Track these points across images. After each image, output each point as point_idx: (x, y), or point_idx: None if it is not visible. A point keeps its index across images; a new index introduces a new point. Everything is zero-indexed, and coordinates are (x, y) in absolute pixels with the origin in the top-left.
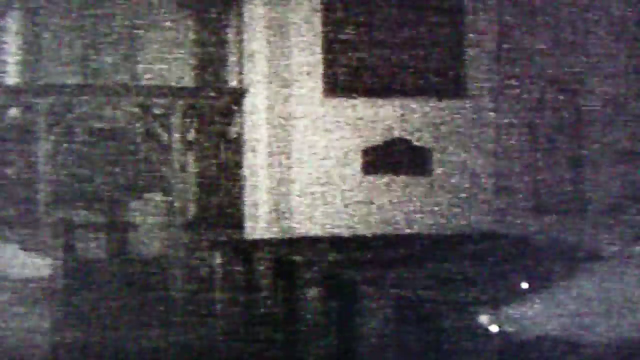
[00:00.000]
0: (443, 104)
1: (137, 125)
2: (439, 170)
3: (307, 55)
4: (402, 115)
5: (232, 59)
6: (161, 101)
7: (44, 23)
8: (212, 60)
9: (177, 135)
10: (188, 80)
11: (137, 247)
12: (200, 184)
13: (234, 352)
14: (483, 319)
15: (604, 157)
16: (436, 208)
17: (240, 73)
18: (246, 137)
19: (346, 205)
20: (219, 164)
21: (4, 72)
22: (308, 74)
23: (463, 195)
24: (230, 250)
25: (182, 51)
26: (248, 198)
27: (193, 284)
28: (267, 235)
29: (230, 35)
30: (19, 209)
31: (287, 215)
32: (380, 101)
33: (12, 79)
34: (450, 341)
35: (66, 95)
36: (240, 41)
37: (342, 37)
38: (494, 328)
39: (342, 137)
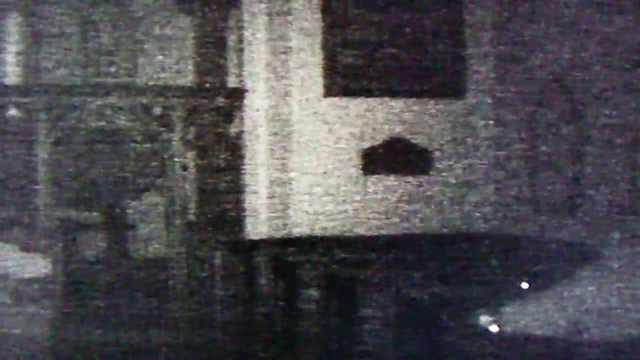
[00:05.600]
0: (443, 104)
1: (137, 125)
2: (439, 170)
3: (307, 55)
4: (402, 115)
5: (232, 59)
6: (161, 101)
7: (44, 23)
8: (212, 60)
9: (177, 135)
10: (188, 80)
11: (137, 247)
12: (201, 184)
13: (234, 352)
14: (483, 319)
15: (605, 157)
16: (436, 208)
17: (240, 73)
18: (246, 137)
19: (346, 205)
20: (219, 164)
21: (4, 72)
22: (308, 74)
23: (463, 195)
24: (230, 250)
25: (182, 51)
26: (248, 198)
27: (193, 284)
28: (267, 235)
29: (230, 35)
30: (19, 209)
31: (287, 215)
32: (380, 101)
33: (12, 79)
34: (450, 341)
35: (66, 95)
36: (240, 41)
37: (342, 37)
38: (494, 328)
39: (342, 137)
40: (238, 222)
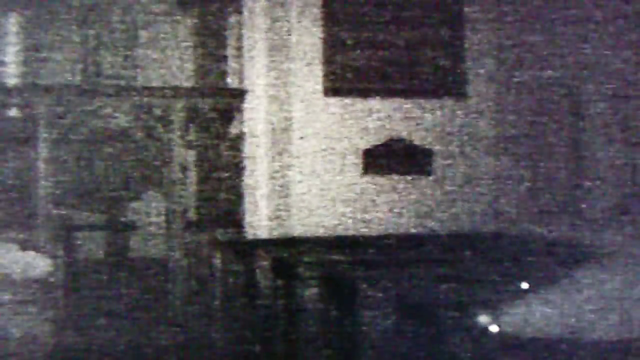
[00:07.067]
0: (443, 104)
1: (137, 125)
2: (439, 170)
3: (307, 55)
4: (402, 115)
5: (232, 59)
6: (161, 101)
7: (44, 23)
8: (212, 60)
9: (177, 135)
10: (188, 80)
11: (137, 247)
12: (200, 184)
13: (234, 352)
14: (483, 319)
15: (604, 157)
16: (436, 208)
17: (240, 73)
18: (246, 137)
19: (346, 206)
20: (219, 164)
21: (4, 72)
22: (308, 74)
23: (463, 195)
24: (230, 250)
25: (182, 51)
26: (248, 198)
27: (193, 284)
28: (267, 235)
29: (230, 35)
30: (19, 209)
31: (287, 215)
32: (380, 101)
33: (12, 79)
34: (450, 341)
35: (66, 95)
36: (240, 41)
37: (342, 37)
38: (494, 328)
39: (342, 137)
40: (238, 222)
